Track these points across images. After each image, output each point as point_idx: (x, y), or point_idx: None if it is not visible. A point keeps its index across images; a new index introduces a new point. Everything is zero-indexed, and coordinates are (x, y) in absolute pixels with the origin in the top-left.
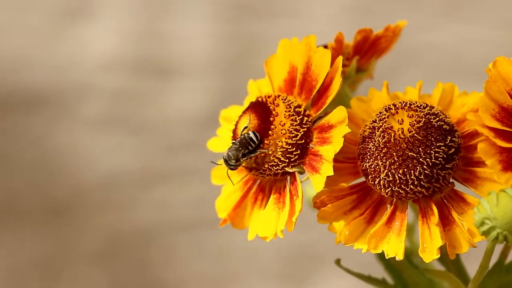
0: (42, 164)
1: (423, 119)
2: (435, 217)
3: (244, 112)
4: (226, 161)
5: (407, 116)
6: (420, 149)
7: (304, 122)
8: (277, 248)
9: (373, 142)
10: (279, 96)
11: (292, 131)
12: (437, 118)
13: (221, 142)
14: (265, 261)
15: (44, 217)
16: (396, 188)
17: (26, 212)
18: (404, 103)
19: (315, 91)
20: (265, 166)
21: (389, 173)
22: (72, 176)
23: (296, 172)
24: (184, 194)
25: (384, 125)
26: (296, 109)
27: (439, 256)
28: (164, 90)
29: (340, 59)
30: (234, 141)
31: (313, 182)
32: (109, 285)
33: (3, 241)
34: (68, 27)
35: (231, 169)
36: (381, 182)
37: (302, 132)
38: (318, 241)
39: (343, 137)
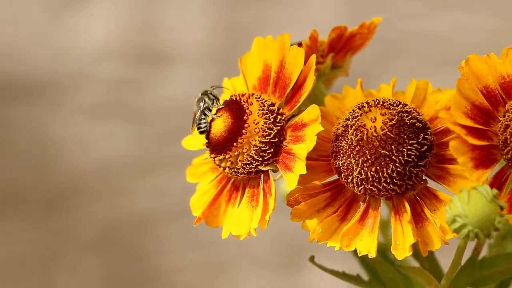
0: (38, 153)
1: (396, 117)
2: (407, 215)
3: (218, 111)
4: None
5: (380, 114)
6: (392, 147)
7: (277, 121)
8: (271, 237)
9: (346, 140)
10: (253, 94)
11: (265, 129)
12: (410, 116)
13: (196, 140)
14: (259, 250)
15: (40, 206)
16: (369, 186)
17: (22, 201)
18: (377, 101)
19: (288, 89)
20: (239, 164)
21: (362, 171)
22: (68, 165)
23: (269, 171)
24: (179, 182)
25: (357, 123)
26: (269, 108)
27: (411, 253)
28: (160, 78)
29: (313, 58)
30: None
31: (286, 180)
32: (104, 273)
33: None
34: (64, 16)
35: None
36: (354, 180)
37: (276, 131)
38: None
39: (316, 135)
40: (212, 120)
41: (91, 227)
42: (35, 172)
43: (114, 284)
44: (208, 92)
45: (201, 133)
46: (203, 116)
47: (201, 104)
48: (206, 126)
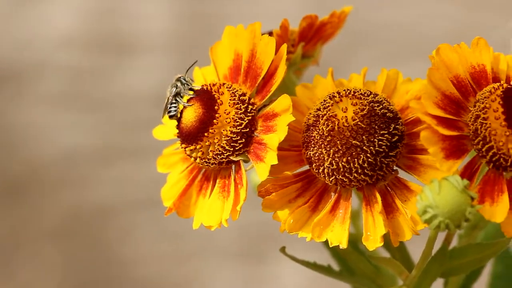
0: None
1: (367, 107)
2: (378, 205)
3: (188, 101)
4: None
5: (351, 104)
6: (363, 137)
7: (248, 111)
8: (238, 227)
9: (317, 130)
10: (224, 84)
11: (236, 119)
12: (381, 106)
13: (166, 130)
14: (225, 240)
15: (0, 194)
16: (340, 176)
17: None
18: (348, 91)
19: (260, 79)
20: (210, 154)
21: (333, 161)
22: (30, 154)
23: (241, 161)
24: (143, 171)
25: (328, 113)
26: (241, 98)
27: (382, 244)
28: (123, 68)
29: (284, 47)
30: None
31: (257, 170)
32: (67, 263)
33: None
34: (27, 5)
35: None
36: (325, 170)
37: (247, 121)
38: None
39: (287, 125)
40: (183, 109)
41: (53, 217)
42: None
43: (77, 273)
44: (181, 77)
45: (170, 117)
46: (174, 101)
47: (173, 89)
48: (176, 111)
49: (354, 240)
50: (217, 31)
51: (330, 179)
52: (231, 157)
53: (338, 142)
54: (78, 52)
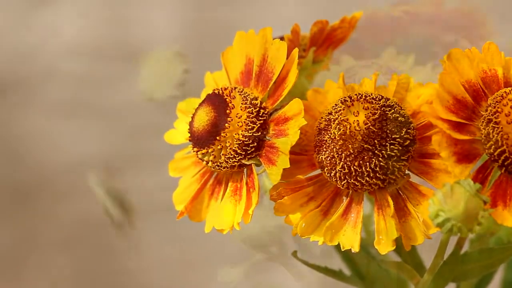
0: (6, 150)
1: (379, 111)
2: (390, 209)
3: (200, 105)
4: None
5: (363, 108)
6: (375, 141)
7: (260, 114)
8: (247, 233)
9: (329, 134)
10: (235, 88)
11: (248, 123)
12: (393, 110)
13: (178, 134)
14: (233, 246)
15: (8, 204)
16: (352, 180)
17: None
18: (360, 95)
19: (271, 83)
20: (222, 158)
21: (345, 165)
22: (37, 163)
23: (253, 165)
24: (149, 179)
25: (340, 117)
26: (252, 101)
27: (394, 247)
28: (129, 75)
29: (296, 51)
30: None
31: (269, 174)
32: (75, 272)
33: None
34: (32, 13)
35: None
36: (337, 174)
37: (259, 125)
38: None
39: (299, 129)
40: (195, 113)
41: (60, 226)
42: (3, 170)
43: (86, 283)
44: None
45: None
46: None
47: None
48: None
49: (365, 245)
50: (225, 38)
51: (342, 183)
52: (243, 161)
53: (349, 146)
54: (85, 59)
